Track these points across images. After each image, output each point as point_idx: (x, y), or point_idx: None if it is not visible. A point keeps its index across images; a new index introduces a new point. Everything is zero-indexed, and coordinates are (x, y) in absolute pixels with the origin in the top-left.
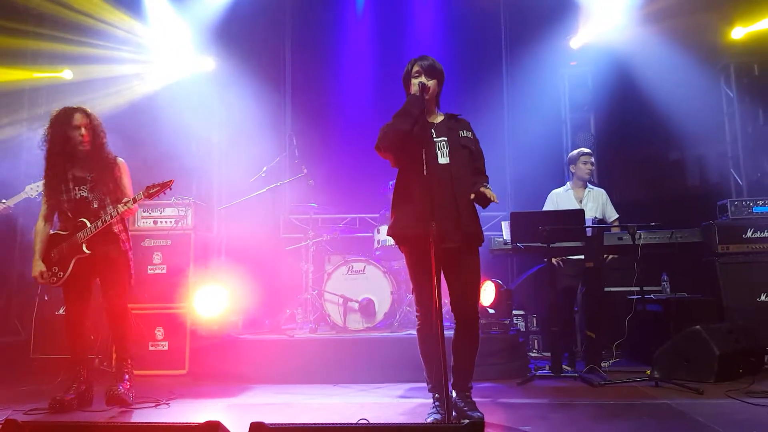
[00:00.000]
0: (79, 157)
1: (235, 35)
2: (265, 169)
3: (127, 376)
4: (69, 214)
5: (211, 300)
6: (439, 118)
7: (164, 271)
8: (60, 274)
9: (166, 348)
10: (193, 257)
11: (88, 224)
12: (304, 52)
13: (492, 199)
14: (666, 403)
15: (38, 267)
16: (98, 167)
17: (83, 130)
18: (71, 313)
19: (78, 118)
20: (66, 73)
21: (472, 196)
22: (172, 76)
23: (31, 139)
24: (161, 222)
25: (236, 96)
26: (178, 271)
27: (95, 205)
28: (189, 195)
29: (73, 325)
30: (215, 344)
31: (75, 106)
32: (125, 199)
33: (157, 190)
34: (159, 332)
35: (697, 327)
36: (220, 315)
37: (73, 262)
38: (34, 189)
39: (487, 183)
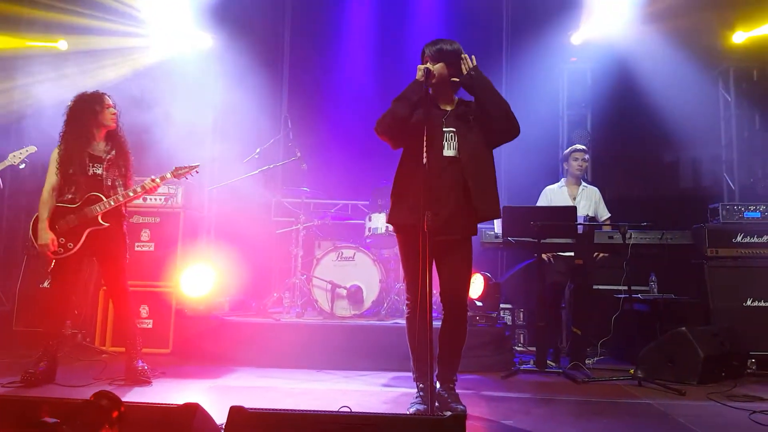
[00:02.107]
0: (98, 137)
1: (234, 13)
2: (258, 150)
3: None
4: (83, 187)
5: (199, 280)
6: (452, 106)
7: (152, 248)
8: (70, 246)
9: (150, 326)
10: (182, 236)
11: (104, 198)
12: (304, 34)
13: (466, 63)
14: (648, 403)
15: (49, 235)
16: (117, 149)
17: (114, 110)
18: (63, 285)
19: (108, 100)
20: (61, 44)
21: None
22: (168, 51)
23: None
24: (150, 199)
25: (233, 75)
26: (166, 249)
27: (108, 183)
28: None
29: (62, 298)
30: (201, 325)
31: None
32: (152, 176)
33: (185, 171)
34: (144, 310)
35: (683, 328)
36: (206, 295)
37: (86, 233)
38: (17, 156)
39: None
